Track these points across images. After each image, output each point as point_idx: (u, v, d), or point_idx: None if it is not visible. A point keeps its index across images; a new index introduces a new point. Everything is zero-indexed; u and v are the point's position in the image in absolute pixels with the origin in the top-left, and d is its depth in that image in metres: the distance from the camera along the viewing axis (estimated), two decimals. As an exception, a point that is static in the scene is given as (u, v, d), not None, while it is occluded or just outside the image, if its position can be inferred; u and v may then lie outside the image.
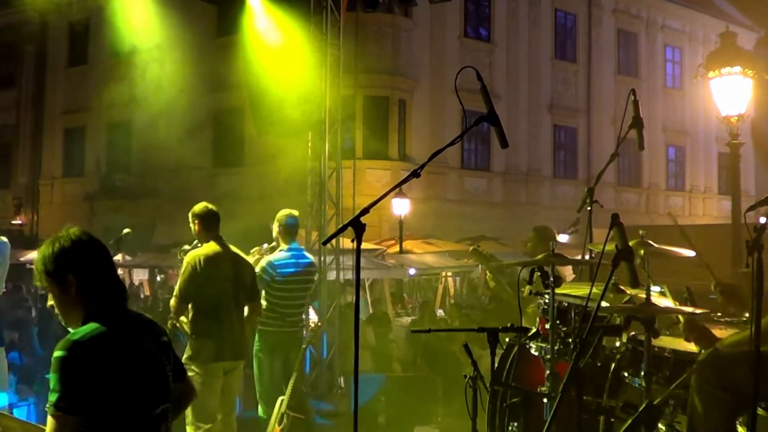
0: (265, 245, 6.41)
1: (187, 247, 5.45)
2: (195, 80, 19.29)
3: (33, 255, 20.27)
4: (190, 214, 5.30)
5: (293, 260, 6.14)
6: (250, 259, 5.88)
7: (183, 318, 5.22)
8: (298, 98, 9.32)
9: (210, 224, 5.23)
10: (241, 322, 5.32)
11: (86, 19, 23.84)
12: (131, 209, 21.84)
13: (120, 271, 20.21)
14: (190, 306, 5.17)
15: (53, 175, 26.67)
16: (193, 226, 5.28)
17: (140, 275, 20.66)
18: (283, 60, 9.15)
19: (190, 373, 5.24)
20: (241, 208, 19.88)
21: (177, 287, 5.21)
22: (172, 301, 5.24)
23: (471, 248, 6.70)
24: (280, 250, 6.09)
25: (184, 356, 5.20)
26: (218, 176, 22.32)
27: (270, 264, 6.00)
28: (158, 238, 20.00)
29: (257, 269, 5.85)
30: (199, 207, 5.30)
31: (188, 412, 5.12)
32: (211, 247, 5.18)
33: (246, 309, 5.41)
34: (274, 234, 6.24)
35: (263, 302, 5.97)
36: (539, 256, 4.09)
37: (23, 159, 27.50)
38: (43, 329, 12.37)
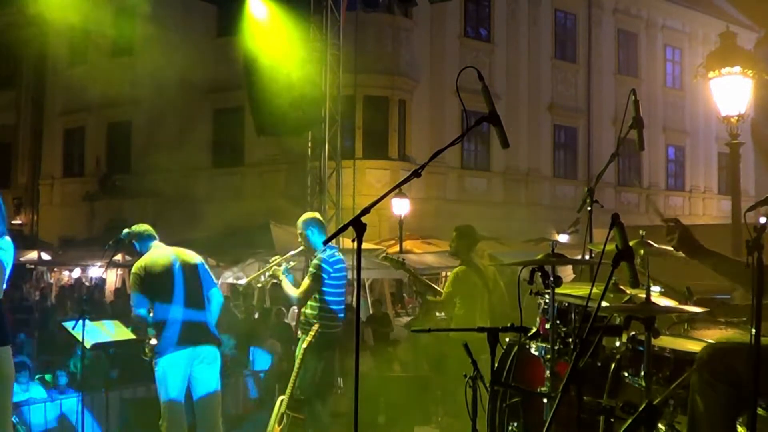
0: (291, 252, 6.41)
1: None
2: (195, 80, 19.29)
3: (33, 255, 20.29)
4: (127, 238, 5.95)
5: (339, 258, 6.15)
6: (278, 267, 6.19)
7: (154, 340, 5.57)
8: (298, 98, 9.32)
9: (144, 237, 5.92)
10: (203, 309, 5.71)
11: (86, 19, 23.82)
12: (131, 209, 21.83)
13: (120, 271, 20.23)
14: (150, 310, 5.62)
15: (53, 175, 26.65)
16: (132, 246, 5.96)
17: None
18: (283, 60, 9.15)
19: (156, 368, 5.49)
20: (241, 208, 19.93)
21: (131, 300, 5.74)
22: (133, 313, 5.68)
23: (381, 256, 7.02)
24: (324, 249, 6.02)
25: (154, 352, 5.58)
26: (218, 176, 22.33)
27: (325, 261, 5.96)
28: (158, 238, 19.96)
29: (311, 269, 5.98)
30: (134, 227, 5.98)
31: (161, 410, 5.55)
32: (151, 253, 5.79)
33: (208, 298, 5.82)
34: (302, 238, 6.21)
35: (313, 303, 5.98)
36: (540, 256, 4.08)
37: (23, 159, 27.49)
38: (43, 329, 12.38)
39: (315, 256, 6.10)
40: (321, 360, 6.05)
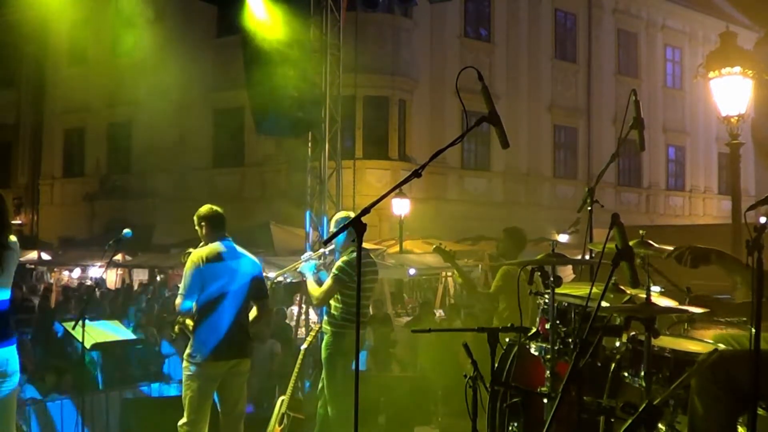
0: (321, 249, 6.31)
1: (191, 250, 5.55)
2: (195, 80, 19.29)
3: (33, 255, 20.29)
4: (195, 217, 5.46)
5: (367, 259, 6.01)
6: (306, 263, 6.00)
7: (189, 321, 5.31)
8: (298, 98, 9.31)
9: (216, 225, 5.42)
10: (245, 320, 5.43)
11: (86, 19, 23.85)
12: (131, 209, 21.85)
13: (120, 271, 20.24)
14: (194, 304, 5.29)
15: (53, 175, 26.68)
16: (200, 229, 5.46)
17: (140, 275, 20.69)
18: (283, 60, 9.14)
19: (186, 372, 5.26)
20: (241, 208, 19.94)
21: (181, 286, 5.35)
22: (178, 300, 5.35)
23: (434, 246, 6.90)
24: (351, 251, 5.88)
25: (185, 353, 5.32)
26: (218, 176, 22.34)
27: (348, 263, 5.83)
28: (158, 238, 20.01)
29: (334, 270, 5.86)
30: (204, 209, 5.48)
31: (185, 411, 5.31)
32: (215, 247, 5.36)
33: (254, 308, 5.51)
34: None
35: (337, 304, 5.87)
36: (540, 256, 4.09)
37: (23, 159, 27.51)
38: (43, 329, 12.37)
39: (342, 257, 5.97)
40: (348, 363, 5.92)
